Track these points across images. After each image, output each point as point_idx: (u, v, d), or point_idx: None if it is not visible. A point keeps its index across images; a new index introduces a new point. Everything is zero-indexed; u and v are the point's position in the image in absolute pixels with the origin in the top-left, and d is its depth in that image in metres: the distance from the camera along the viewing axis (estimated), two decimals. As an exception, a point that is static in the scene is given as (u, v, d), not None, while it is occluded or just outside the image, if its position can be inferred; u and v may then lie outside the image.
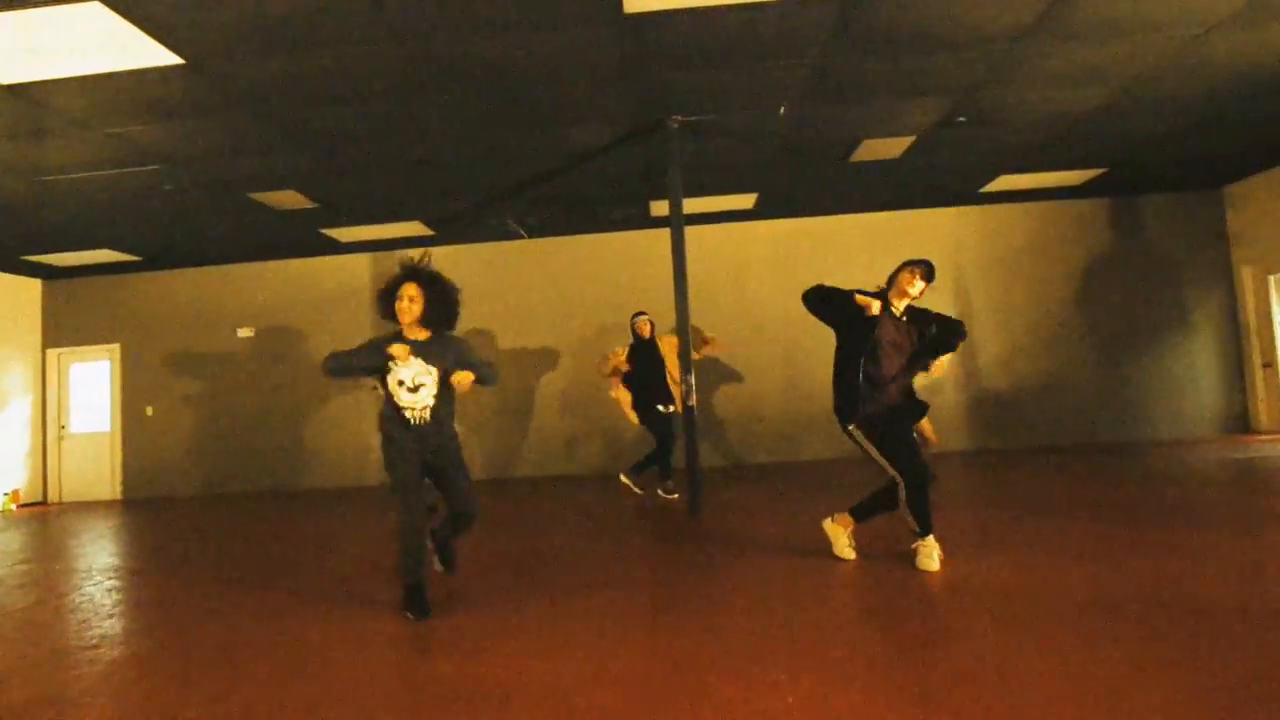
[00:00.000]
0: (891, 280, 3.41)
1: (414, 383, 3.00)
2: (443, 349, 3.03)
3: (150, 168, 5.20)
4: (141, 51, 3.64)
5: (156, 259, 7.93)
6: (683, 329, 4.88)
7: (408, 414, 3.00)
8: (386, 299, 3.04)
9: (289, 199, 6.12)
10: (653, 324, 5.81)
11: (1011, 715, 1.81)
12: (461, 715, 2.01)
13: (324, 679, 2.36)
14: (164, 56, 3.70)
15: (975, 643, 2.34)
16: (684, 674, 2.21)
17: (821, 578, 3.23)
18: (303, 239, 7.48)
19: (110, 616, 3.29)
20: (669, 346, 5.63)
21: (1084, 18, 3.92)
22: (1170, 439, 7.46)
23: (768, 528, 4.26)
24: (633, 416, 5.80)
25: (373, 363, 3.02)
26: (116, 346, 8.39)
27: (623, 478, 5.95)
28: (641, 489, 5.95)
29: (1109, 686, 1.95)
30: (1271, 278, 7.41)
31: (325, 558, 4.30)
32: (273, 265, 8.33)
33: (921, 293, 3.37)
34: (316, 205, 6.36)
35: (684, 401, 4.80)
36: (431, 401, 3.00)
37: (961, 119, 5.24)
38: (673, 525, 4.67)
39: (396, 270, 3.07)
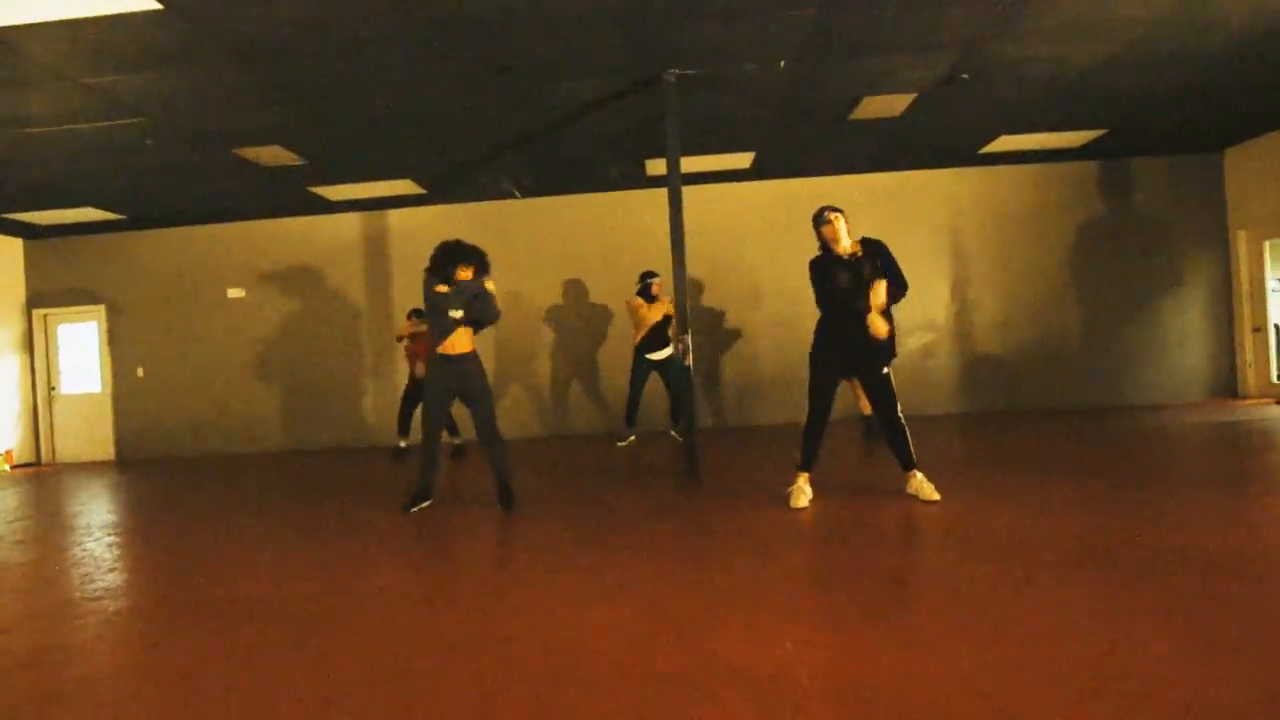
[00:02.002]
0: (821, 240, 3.63)
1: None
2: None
3: (131, 121, 5.04)
4: (118, -5, 3.49)
5: (141, 218, 7.76)
6: (679, 289, 4.85)
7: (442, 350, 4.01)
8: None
9: (276, 155, 5.97)
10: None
11: (1004, 662, 1.87)
12: (463, 662, 2.06)
13: (331, 631, 2.40)
14: (140, 0, 3.55)
15: (970, 593, 2.40)
16: (684, 624, 2.26)
17: (819, 531, 3.29)
18: (292, 197, 7.33)
19: (112, 570, 3.32)
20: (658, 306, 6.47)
21: (1094, -32, 3.81)
22: (1160, 402, 7.56)
23: (764, 486, 4.32)
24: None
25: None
26: (103, 308, 8.28)
27: (673, 433, 6.65)
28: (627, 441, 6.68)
29: (1096, 638, 2.00)
30: (1267, 243, 7.41)
31: (326, 516, 4.33)
32: (262, 224, 8.18)
33: (846, 225, 3.58)
34: (304, 162, 6.21)
35: (680, 361, 4.81)
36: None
37: (964, 75, 5.14)
38: (671, 484, 4.72)
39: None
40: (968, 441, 5.90)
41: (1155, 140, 7.17)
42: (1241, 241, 7.55)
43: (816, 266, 3.67)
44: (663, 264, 7.52)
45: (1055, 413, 7.30)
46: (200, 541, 3.86)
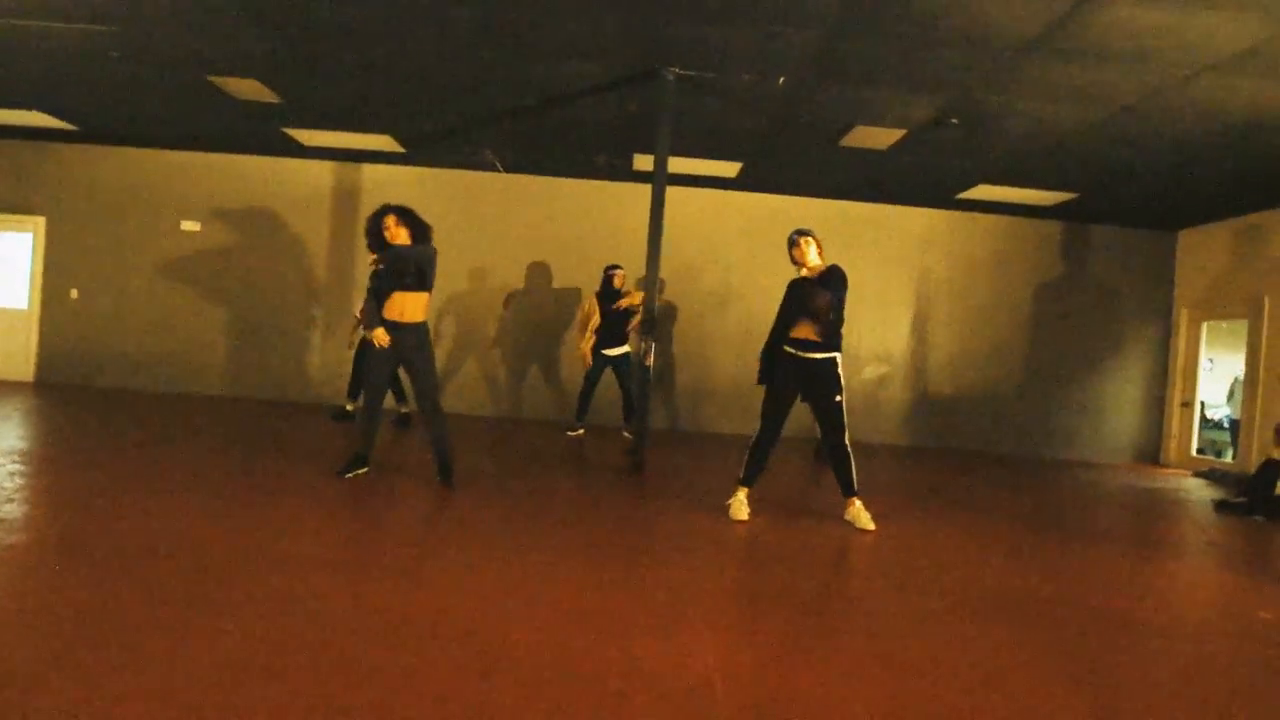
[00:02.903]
0: (794, 259, 3.73)
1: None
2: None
3: (98, 28, 4.73)
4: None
5: (96, 132, 7.31)
6: (651, 289, 4.83)
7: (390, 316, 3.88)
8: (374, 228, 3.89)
9: (250, 89, 5.69)
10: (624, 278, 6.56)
11: (915, 693, 1.90)
12: (375, 641, 1.99)
13: (243, 591, 2.29)
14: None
15: (890, 624, 2.45)
16: (607, 625, 2.24)
17: (754, 546, 3.32)
18: (262, 136, 7.02)
19: (10, 501, 3.10)
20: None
21: (1090, 37, 3.94)
22: (1088, 459, 7.91)
23: (707, 494, 4.33)
24: (588, 354, 6.52)
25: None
26: (41, 220, 7.77)
27: (625, 434, 6.46)
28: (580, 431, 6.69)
29: (1001, 681, 2.06)
30: (1205, 323, 7.83)
31: (257, 469, 4.16)
32: (227, 159, 7.81)
33: (817, 249, 3.66)
34: (280, 101, 5.95)
35: (641, 362, 4.78)
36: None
37: (954, 120, 5.26)
38: (615, 481, 4.70)
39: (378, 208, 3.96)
40: (909, 475, 6.06)
41: (1118, 211, 7.49)
42: (1183, 319, 7.95)
43: (788, 288, 3.75)
44: (635, 259, 7.50)
45: (992, 457, 7.57)
46: (116, 479, 3.65)
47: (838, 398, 3.61)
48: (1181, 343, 7.95)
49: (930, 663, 2.11)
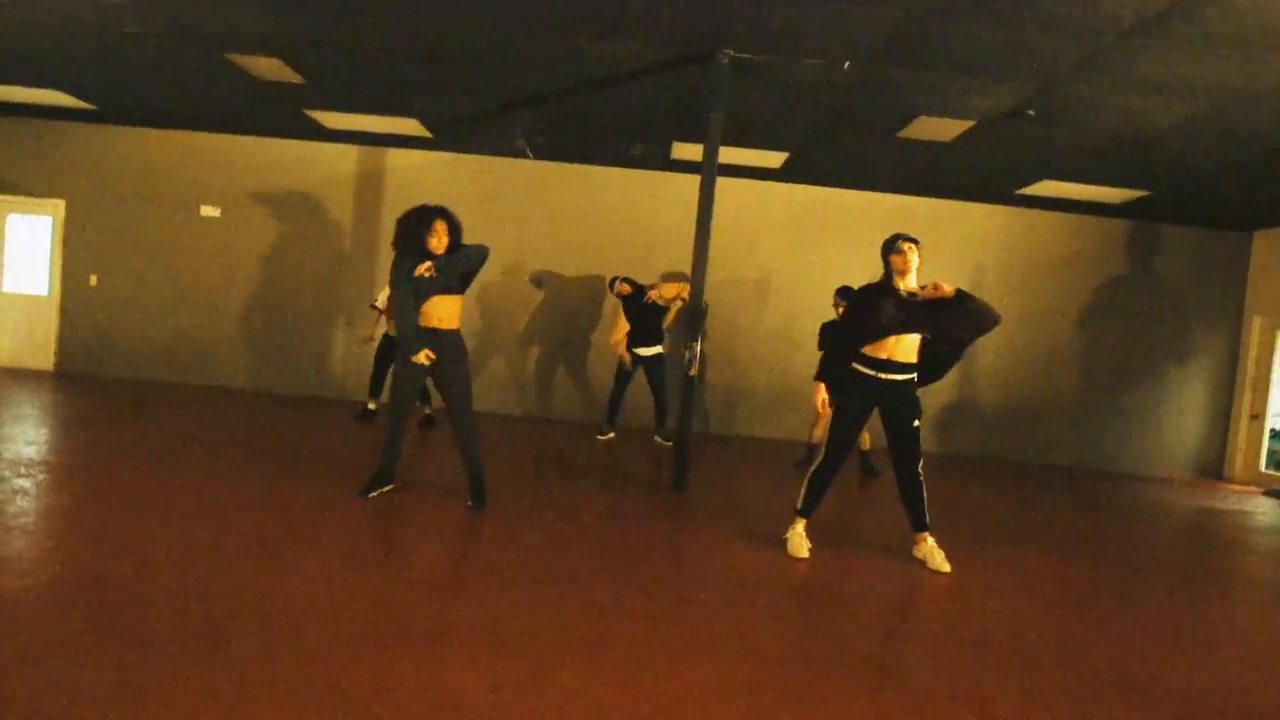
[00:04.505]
0: (887, 269, 3.29)
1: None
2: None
3: (113, 1, 4.42)
4: None
5: (115, 112, 7.05)
6: (698, 286, 4.48)
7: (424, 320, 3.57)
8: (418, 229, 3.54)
9: (271, 68, 5.37)
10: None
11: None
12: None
13: (234, 653, 2.01)
14: None
15: (926, 680, 2.11)
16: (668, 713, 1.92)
17: (819, 594, 2.98)
18: (283, 117, 6.71)
19: (9, 530, 2.85)
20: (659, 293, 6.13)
21: (1213, 21, 3.47)
22: (1145, 473, 7.45)
23: (755, 515, 4.00)
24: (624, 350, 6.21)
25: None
26: (61, 203, 7.57)
27: (657, 439, 6.30)
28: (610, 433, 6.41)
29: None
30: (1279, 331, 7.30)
31: (274, 483, 3.90)
32: (247, 141, 7.52)
33: (919, 260, 3.27)
34: (304, 82, 5.62)
35: (685, 372, 4.44)
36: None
37: (1030, 112, 4.80)
38: (656, 499, 4.38)
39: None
40: (966, 496, 5.66)
41: (1191, 210, 6.95)
42: (1255, 326, 7.41)
43: (866, 296, 3.30)
44: (669, 251, 7.13)
45: (1043, 470, 7.13)
46: (123, 501, 3.40)
47: (916, 422, 3.24)
48: (1253, 351, 7.41)
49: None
